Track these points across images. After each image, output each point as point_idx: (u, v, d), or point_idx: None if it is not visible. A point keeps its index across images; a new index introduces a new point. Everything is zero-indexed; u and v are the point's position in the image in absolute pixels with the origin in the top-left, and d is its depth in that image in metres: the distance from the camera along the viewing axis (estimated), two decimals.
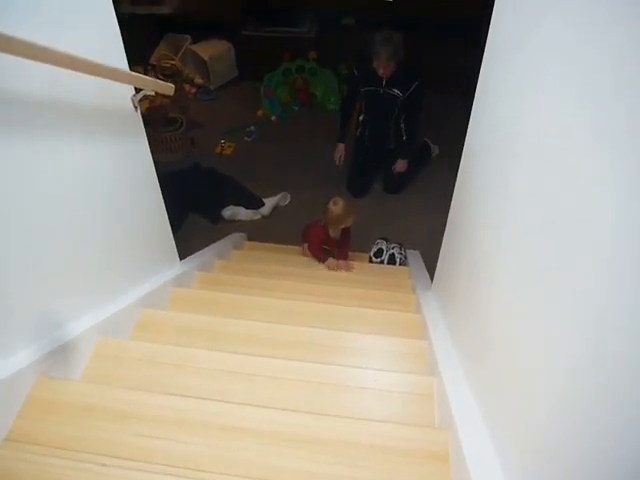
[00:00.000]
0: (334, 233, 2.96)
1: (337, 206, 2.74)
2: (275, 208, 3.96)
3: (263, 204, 3.88)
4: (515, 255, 1.10)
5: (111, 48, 1.57)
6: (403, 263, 3.20)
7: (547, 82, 0.97)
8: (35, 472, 1.15)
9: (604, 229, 0.73)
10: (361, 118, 3.90)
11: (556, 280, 0.87)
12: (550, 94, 0.96)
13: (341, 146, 3.95)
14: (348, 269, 2.95)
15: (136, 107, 1.76)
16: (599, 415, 0.72)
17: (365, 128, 3.94)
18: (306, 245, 3.17)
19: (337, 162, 3.97)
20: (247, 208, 3.88)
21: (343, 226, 2.88)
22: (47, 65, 1.11)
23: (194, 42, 5.28)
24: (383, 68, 3.37)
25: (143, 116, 1.86)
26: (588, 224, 0.77)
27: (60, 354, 1.45)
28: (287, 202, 4.06)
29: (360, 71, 3.60)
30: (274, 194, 3.97)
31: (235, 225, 3.80)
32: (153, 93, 1.78)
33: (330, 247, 3.06)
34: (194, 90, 5.33)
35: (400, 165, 3.90)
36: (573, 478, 0.80)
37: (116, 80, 1.49)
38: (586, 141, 0.79)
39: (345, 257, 3.05)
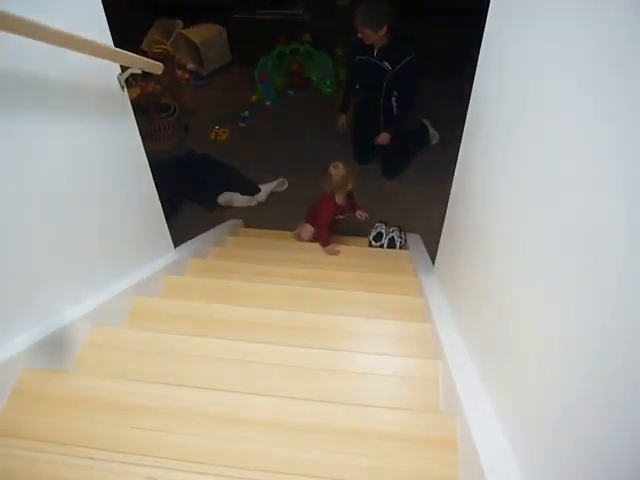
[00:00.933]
0: (341, 200, 2.89)
1: (338, 169, 2.70)
2: (272, 194, 3.90)
3: (259, 190, 3.82)
4: (527, 228, 1.04)
5: (94, 24, 1.49)
6: (403, 247, 3.14)
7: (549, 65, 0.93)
8: (21, 467, 1.09)
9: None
10: (357, 87, 3.84)
11: (576, 249, 0.81)
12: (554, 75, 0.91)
13: (342, 117, 4.01)
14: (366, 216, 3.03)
15: (122, 86, 1.69)
16: (619, 399, 0.68)
17: (358, 98, 3.91)
18: (304, 229, 3.14)
19: (340, 129, 4.04)
20: (243, 194, 3.81)
21: (348, 189, 2.81)
22: (27, 39, 1.05)
23: (185, 27, 5.16)
24: (361, 34, 3.34)
25: (135, 103, 1.79)
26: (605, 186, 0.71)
27: (49, 344, 1.40)
28: (284, 188, 4.00)
29: (356, 40, 3.51)
30: (270, 180, 3.92)
31: (231, 212, 3.74)
32: (140, 71, 1.70)
33: (342, 215, 2.98)
34: (187, 76, 5.24)
35: (382, 137, 3.82)
36: (581, 458, 0.77)
37: (101, 57, 1.43)
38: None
39: (365, 210, 3.04)
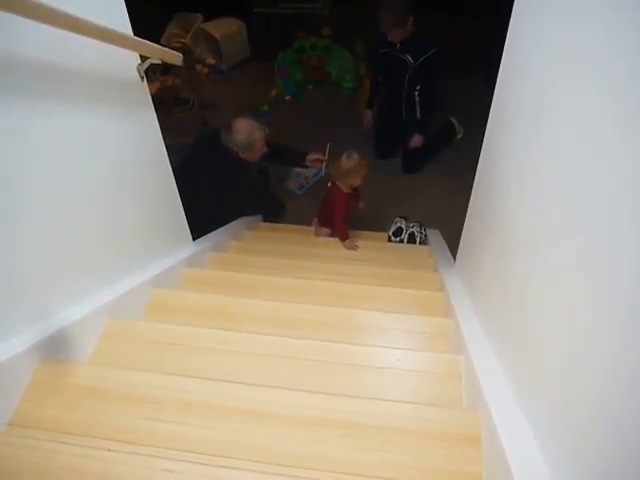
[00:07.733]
0: (347, 189, 2.79)
1: (350, 159, 2.63)
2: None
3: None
4: (552, 223, 1.00)
5: (115, 14, 1.48)
6: (423, 242, 3.10)
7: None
8: (38, 458, 1.08)
9: None
10: (381, 80, 3.84)
11: (602, 244, 0.77)
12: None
13: (368, 112, 4.01)
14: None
15: (142, 77, 1.67)
16: None
17: (381, 92, 3.90)
18: (320, 232, 3.14)
19: (366, 125, 4.06)
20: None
21: (352, 183, 2.73)
22: (47, 27, 1.03)
23: (205, 21, 5.16)
24: (390, 33, 3.37)
25: (154, 97, 1.78)
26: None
27: (66, 336, 1.39)
28: None
29: (380, 34, 3.50)
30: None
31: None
32: (159, 62, 1.69)
33: (354, 204, 2.93)
34: (206, 70, 5.23)
35: (415, 140, 3.81)
36: (611, 455, 0.73)
37: (120, 45, 1.40)
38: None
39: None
